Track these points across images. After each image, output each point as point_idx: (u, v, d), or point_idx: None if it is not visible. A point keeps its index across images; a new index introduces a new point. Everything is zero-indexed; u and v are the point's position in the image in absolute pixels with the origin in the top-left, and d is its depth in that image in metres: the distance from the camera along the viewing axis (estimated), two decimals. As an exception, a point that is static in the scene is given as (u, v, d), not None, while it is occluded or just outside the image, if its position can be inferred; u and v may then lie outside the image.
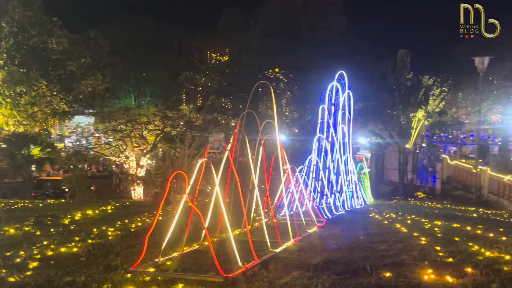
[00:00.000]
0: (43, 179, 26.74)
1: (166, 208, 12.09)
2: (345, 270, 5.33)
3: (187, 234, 6.46)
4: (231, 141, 7.16)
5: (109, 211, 12.55)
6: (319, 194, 12.26)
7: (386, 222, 10.07)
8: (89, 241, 7.55)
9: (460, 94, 39.92)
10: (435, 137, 36.84)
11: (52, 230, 8.71)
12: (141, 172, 24.85)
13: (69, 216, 10.80)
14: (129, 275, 5.26)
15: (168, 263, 5.88)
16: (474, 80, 35.23)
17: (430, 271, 5.06)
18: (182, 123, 27.72)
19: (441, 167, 27.18)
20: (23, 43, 20.97)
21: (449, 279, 4.81)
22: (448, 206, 17.45)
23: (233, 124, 38.70)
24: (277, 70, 38.23)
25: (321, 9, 41.55)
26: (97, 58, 24.61)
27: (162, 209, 10.32)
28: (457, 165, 23.88)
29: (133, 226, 9.45)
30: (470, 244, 6.63)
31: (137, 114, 25.79)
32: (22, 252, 6.55)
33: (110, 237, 7.97)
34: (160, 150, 26.66)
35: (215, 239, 7.22)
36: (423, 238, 7.24)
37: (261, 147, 7.79)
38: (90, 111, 35.42)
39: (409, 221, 10.12)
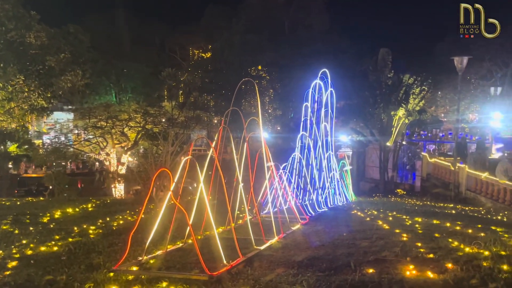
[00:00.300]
0: (26, 177, 26.20)
1: (148, 206, 11.97)
2: (330, 267, 5.37)
3: (171, 232, 6.41)
4: (215, 138, 7.12)
5: (90, 209, 12.35)
6: (302, 191, 12.33)
7: (368, 219, 10.19)
8: (70, 239, 7.41)
9: (439, 93, 40.79)
10: (415, 135, 37.50)
11: (31, 228, 8.52)
12: (122, 170, 24.56)
13: (48, 215, 10.59)
14: (112, 274, 5.18)
15: (151, 261, 5.82)
16: (452, 80, 36.03)
17: (412, 267, 5.14)
18: (164, 120, 27.50)
19: (420, 164, 27.64)
20: (0, 37, 20.43)
21: (430, 275, 4.89)
22: (428, 203, 17.76)
23: (215, 121, 38.60)
24: (260, 67, 38.27)
25: (304, 7, 41.76)
26: (77, 53, 24.19)
27: (145, 207, 10.21)
28: (436, 163, 24.32)
29: (115, 224, 9.32)
30: (450, 240, 6.76)
31: (118, 111, 25.46)
32: (0, 252, 6.39)
33: (92, 236, 7.84)
34: (142, 147, 26.39)
35: (199, 237, 7.19)
36: (405, 235, 7.35)
37: (245, 144, 7.77)
38: (69, 107, 34.76)
39: (390, 218, 10.26)
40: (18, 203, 14.47)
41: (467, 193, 19.29)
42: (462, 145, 23.64)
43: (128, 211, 11.50)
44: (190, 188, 17.71)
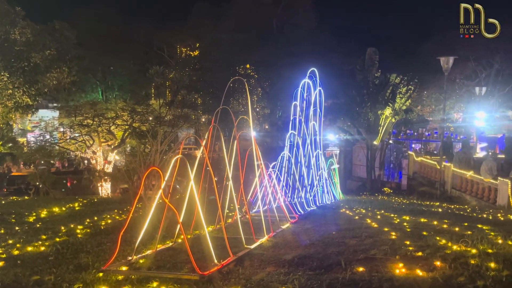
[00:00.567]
0: (16, 175, 25.73)
1: (137, 205, 11.87)
2: (320, 266, 5.39)
3: (161, 231, 6.36)
4: (205, 137, 7.08)
5: (77, 208, 12.21)
6: (291, 190, 12.37)
7: (356, 217, 10.26)
8: (57, 239, 7.31)
9: (425, 92, 41.30)
10: (401, 134, 37.91)
11: (17, 228, 8.39)
12: (109, 168, 24.31)
13: (34, 214, 10.45)
14: (101, 274, 5.13)
15: (141, 261, 5.77)
16: (438, 79, 36.53)
17: (401, 265, 5.18)
18: (151, 118, 27.29)
19: (407, 163, 27.95)
20: (-16, 34, 20.04)
21: (419, 273, 4.94)
22: (414, 201, 17.97)
23: (203, 119, 38.46)
24: (248, 66, 38.25)
25: (292, 6, 41.86)
26: (63, 50, 23.77)
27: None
28: (423, 162, 24.61)
29: (103, 223, 9.23)
30: (438, 238, 6.84)
31: (105, 109, 25.18)
32: (-14, 252, 6.28)
33: (79, 235, 7.74)
34: (128, 145, 26.16)
35: (189, 236, 7.15)
36: (393, 233, 7.41)
37: (235, 143, 7.76)
38: (55, 105, 34.19)
39: (378, 216, 10.35)
40: (3, 202, 14.23)
41: (453, 192, 19.56)
42: (447, 144, 23.97)
43: (116, 210, 11.40)
44: (178, 187, 17.62)
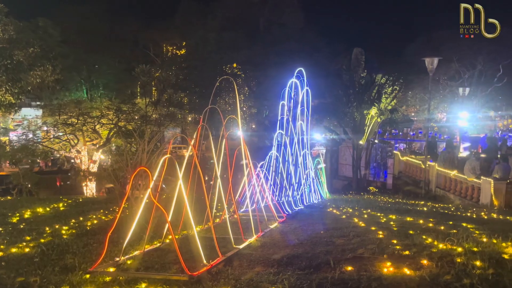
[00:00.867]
0: (3, 175, 25.23)
1: (123, 205, 11.73)
2: (309, 265, 5.40)
3: (149, 231, 6.30)
4: (193, 136, 7.03)
5: (61, 209, 12.01)
6: (278, 189, 12.38)
7: (344, 216, 10.32)
8: (42, 240, 7.17)
9: (410, 92, 41.84)
10: (386, 134, 38.32)
11: (0, 229, 8.21)
12: (94, 168, 24.04)
13: (17, 214, 10.23)
14: (88, 276, 5.05)
15: (129, 262, 5.70)
16: (422, 80, 37.06)
17: (389, 264, 5.23)
18: (137, 117, 27.05)
19: (392, 162, 28.25)
20: (-35, 30, 19.61)
21: (407, 271, 4.99)
22: (400, 200, 18.17)
23: (189, 118, 38.24)
24: (234, 65, 38.19)
25: (279, 5, 41.95)
26: (47, 47, 23.41)
27: (120, 206, 10.01)
28: (408, 161, 24.91)
29: (89, 224, 9.10)
30: (424, 237, 6.92)
31: (90, 107, 24.91)
32: (-32, 253, 6.14)
33: (65, 236, 7.62)
34: (114, 145, 25.89)
35: (177, 237, 7.09)
36: (380, 232, 7.48)
37: (224, 142, 7.73)
38: (38, 103, 33.63)
39: (365, 216, 10.43)
40: (-15, 202, 13.93)
41: (437, 191, 19.85)
42: (432, 144, 24.31)
43: (101, 210, 11.24)
44: (164, 186, 17.48)
